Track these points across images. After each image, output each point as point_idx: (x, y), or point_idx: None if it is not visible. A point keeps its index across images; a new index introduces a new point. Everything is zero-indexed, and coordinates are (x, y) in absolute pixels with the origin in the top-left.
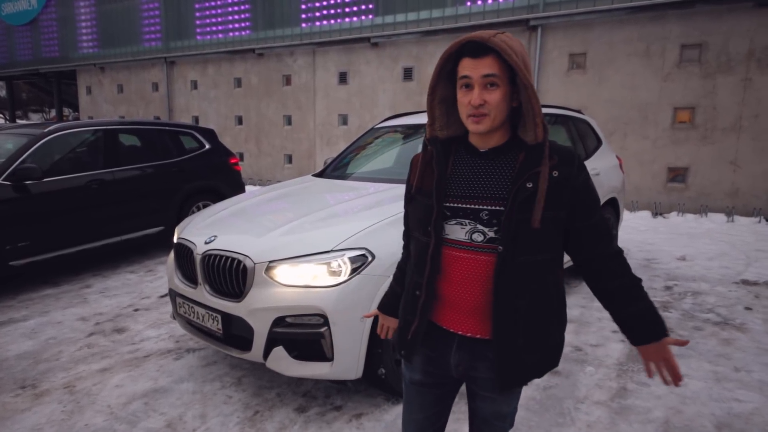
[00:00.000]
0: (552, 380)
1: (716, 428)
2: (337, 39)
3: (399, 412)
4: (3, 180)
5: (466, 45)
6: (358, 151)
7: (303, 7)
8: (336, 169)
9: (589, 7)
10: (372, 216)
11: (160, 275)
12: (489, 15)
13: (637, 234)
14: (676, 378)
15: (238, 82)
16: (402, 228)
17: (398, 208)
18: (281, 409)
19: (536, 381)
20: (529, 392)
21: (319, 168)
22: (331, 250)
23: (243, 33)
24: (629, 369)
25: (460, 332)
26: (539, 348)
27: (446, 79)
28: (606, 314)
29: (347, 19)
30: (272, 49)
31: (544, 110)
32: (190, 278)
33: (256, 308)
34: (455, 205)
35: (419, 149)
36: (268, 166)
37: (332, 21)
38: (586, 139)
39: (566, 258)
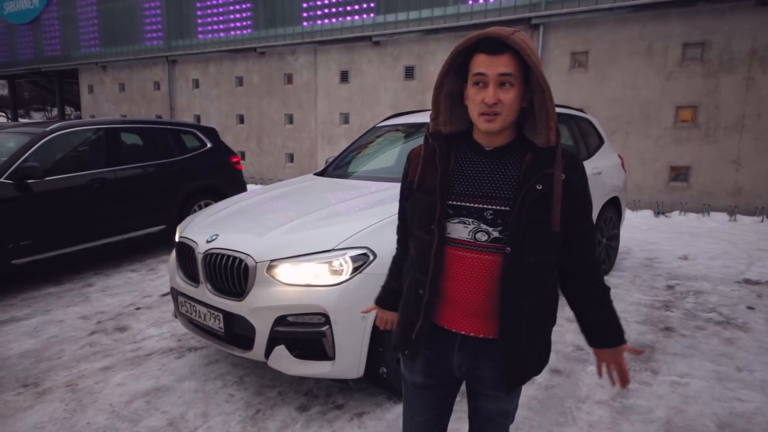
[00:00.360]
0: (553, 380)
1: (718, 428)
2: (339, 37)
3: (401, 411)
4: (5, 179)
5: (483, 41)
6: (360, 150)
7: (304, 5)
8: (337, 168)
9: (591, 6)
10: (373, 215)
11: (162, 274)
12: (491, 13)
13: (639, 233)
14: (624, 381)
15: (240, 81)
16: None
17: None
18: (283, 407)
19: (538, 380)
20: (531, 392)
21: (321, 167)
22: (333, 249)
23: (244, 32)
24: (631, 369)
25: (462, 332)
26: (537, 347)
27: (454, 73)
28: None
29: (348, 18)
30: (274, 47)
31: None
32: (192, 277)
33: (258, 307)
34: (458, 203)
35: None
36: (270, 165)
37: (333, 19)
38: (588, 138)
39: None
